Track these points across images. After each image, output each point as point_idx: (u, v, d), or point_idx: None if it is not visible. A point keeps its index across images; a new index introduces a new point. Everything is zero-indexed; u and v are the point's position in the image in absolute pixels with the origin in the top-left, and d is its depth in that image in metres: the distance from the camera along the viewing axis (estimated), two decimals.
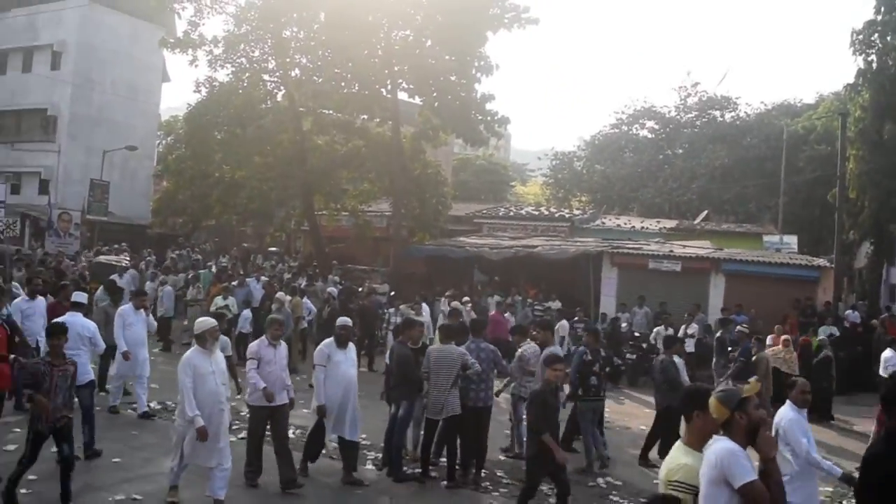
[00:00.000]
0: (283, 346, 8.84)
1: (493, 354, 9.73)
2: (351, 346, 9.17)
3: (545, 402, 7.89)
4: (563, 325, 17.89)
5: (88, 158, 36.08)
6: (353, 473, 8.94)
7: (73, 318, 9.38)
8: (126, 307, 11.62)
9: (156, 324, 13.34)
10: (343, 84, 25.85)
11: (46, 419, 6.99)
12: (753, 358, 13.43)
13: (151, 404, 11.53)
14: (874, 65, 24.61)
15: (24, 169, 38.64)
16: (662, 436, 10.73)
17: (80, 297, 10.50)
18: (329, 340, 9.04)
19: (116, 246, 28.62)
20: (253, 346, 8.77)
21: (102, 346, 10.07)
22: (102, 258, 24.71)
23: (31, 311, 11.03)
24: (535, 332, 11.26)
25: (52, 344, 7.40)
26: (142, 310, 11.68)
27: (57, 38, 38.01)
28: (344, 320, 9.34)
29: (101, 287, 14.37)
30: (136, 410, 11.15)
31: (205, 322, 7.93)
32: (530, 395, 8.33)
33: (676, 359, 11.25)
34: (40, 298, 11.52)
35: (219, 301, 17.01)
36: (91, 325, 9.91)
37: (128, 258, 24.42)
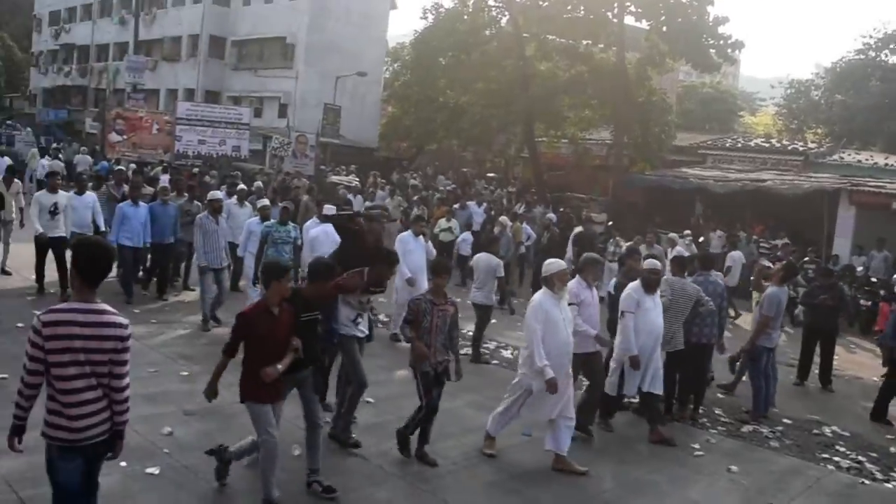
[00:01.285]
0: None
1: (721, 289, 9.49)
2: (659, 292, 8.40)
3: None
4: (735, 255, 16.99)
5: (322, 84, 38.01)
6: (659, 429, 8.35)
7: (327, 228, 9.90)
8: (406, 234, 11.60)
9: (434, 251, 12.84)
10: (569, 8, 25.45)
11: (429, 363, 6.77)
12: None
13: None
14: None
15: (266, 94, 41.69)
16: None
17: (330, 209, 11.06)
18: (636, 284, 8.26)
19: (344, 168, 30.29)
20: (573, 287, 7.79)
21: None
22: (334, 178, 26.30)
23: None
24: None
25: (437, 283, 6.98)
26: (421, 236, 11.59)
27: None
28: (652, 262, 8.59)
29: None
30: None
31: (554, 264, 7.22)
32: None
33: None
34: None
35: (442, 223, 17.69)
36: None
37: (356, 179, 25.80)
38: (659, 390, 8.37)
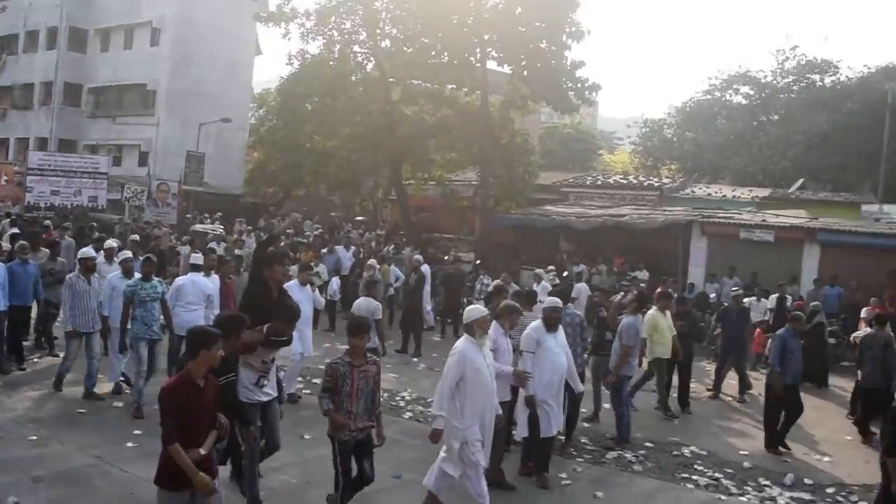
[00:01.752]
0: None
1: (578, 319, 9.72)
2: (561, 329, 8.44)
3: None
4: (580, 287, 17.61)
5: (185, 131, 37.25)
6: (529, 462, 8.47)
7: (194, 277, 10.24)
8: (292, 283, 10.77)
9: (323, 301, 12.59)
10: (433, 54, 25.94)
11: (347, 431, 6.27)
12: None
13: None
14: None
15: (126, 142, 40.42)
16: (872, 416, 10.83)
17: (197, 259, 11.07)
18: (537, 324, 8.27)
19: (209, 216, 29.63)
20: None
21: (217, 308, 10.52)
22: (199, 227, 25.64)
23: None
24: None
25: (354, 344, 6.37)
26: (307, 286, 11.25)
27: (156, 15, 39.19)
28: (553, 301, 8.50)
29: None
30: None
31: (475, 311, 7.09)
32: None
33: None
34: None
35: None
36: (211, 285, 10.54)
37: (221, 227, 25.25)
38: (555, 432, 8.41)
